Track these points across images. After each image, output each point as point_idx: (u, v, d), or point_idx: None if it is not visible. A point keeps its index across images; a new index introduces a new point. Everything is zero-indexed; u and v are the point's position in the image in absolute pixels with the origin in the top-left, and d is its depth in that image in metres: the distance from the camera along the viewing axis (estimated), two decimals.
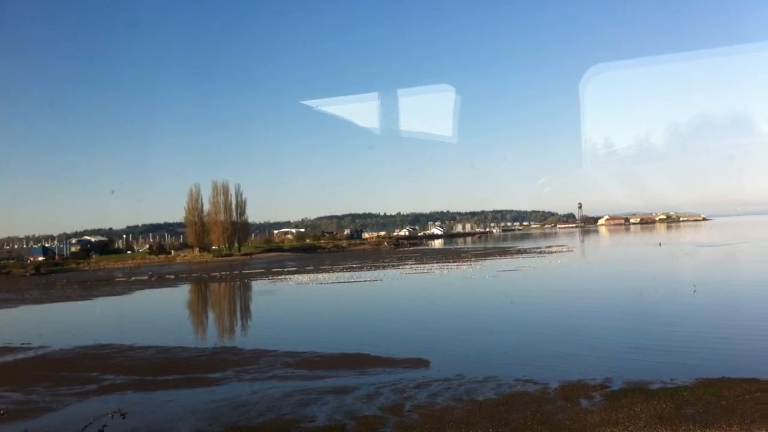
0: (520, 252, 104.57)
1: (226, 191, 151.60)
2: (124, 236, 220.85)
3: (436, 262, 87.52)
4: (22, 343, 30.99)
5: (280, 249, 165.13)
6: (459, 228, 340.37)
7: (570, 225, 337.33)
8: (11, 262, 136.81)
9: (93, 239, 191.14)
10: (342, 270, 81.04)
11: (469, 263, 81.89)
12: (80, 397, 19.68)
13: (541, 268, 66.84)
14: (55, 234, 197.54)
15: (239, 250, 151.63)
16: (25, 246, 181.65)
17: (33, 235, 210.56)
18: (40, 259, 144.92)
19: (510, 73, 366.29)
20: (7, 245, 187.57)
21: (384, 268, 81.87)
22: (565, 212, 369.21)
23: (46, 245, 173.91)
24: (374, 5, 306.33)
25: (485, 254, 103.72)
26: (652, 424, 13.68)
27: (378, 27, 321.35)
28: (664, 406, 14.88)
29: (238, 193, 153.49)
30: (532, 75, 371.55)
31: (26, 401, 19.40)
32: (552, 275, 60.26)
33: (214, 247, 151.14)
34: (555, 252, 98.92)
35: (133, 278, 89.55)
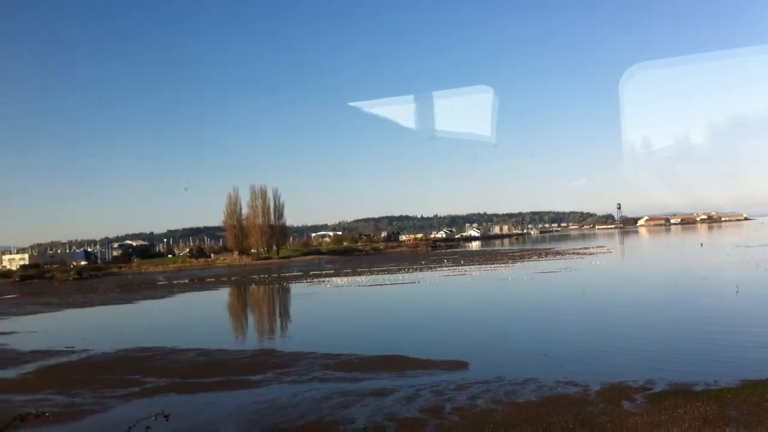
0: (558, 253, 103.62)
1: (264, 195, 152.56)
2: (165, 240, 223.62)
3: (474, 264, 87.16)
4: (66, 347, 31.42)
5: (317, 252, 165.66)
6: (496, 230, 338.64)
7: (609, 226, 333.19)
8: (55, 266, 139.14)
9: (134, 243, 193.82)
10: (379, 272, 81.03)
11: (506, 265, 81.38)
12: (123, 400, 19.92)
13: (580, 270, 66.15)
14: (97, 238, 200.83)
15: (278, 254, 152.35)
16: (68, 251, 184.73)
17: (75, 240, 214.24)
18: (83, 263, 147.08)
19: (549, 73, 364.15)
20: (50, 250, 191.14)
21: (421, 270, 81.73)
22: (604, 213, 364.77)
23: (89, 250, 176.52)
24: (415, 10, 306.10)
25: (523, 256, 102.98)
26: (695, 426, 13.49)
27: (417, 29, 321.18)
28: (707, 408, 14.68)
29: (276, 197, 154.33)
30: (571, 75, 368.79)
31: (70, 404, 19.69)
32: (591, 277, 59.61)
33: (252, 251, 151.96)
34: (594, 253, 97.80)
35: (174, 282, 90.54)
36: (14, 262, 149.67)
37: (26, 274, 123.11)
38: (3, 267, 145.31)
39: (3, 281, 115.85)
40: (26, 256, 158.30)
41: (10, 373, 25.46)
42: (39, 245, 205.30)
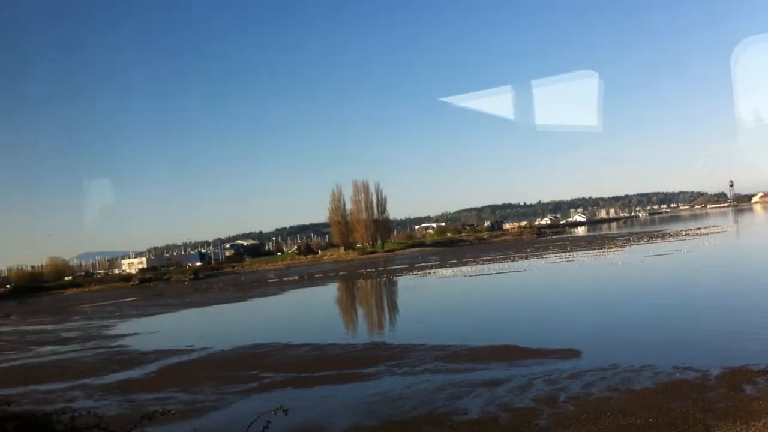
0: (669, 235, 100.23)
1: (366, 190, 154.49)
2: (274, 238, 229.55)
3: (581, 250, 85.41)
4: (186, 346, 32.48)
5: (422, 244, 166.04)
6: (602, 214, 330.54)
7: (721, 204, 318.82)
8: (171, 268, 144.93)
9: (245, 243, 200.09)
10: (485, 262, 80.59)
11: (615, 249, 79.45)
12: (242, 395, 20.57)
13: (693, 252, 63.79)
14: (210, 239, 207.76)
15: (382, 247, 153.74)
16: (183, 252, 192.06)
17: (190, 242, 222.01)
18: (198, 264, 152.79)
19: (654, 51, 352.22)
20: (166, 252, 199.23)
21: (527, 258, 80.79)
22: (716, 191, 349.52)
23: (203, 251, 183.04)
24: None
25: (632, 239, 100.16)
26: None
27: (517, 17, 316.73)
28: None
29: (378, 191, 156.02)
30: (678, 52, 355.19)
31: (193, 401, 20.41)
32: (705, 258, 57.43)
33: (358, 245, 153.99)
34: (707, 234, 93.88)
35: (284, 279, 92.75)
36: (133, 265, 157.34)
37: (145, 277, 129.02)
38: (123, 271, 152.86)
39: (123, 284, 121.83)
40: (144, 259, 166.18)
41: (135, 373, 26.64)
42: (155, 248, 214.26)
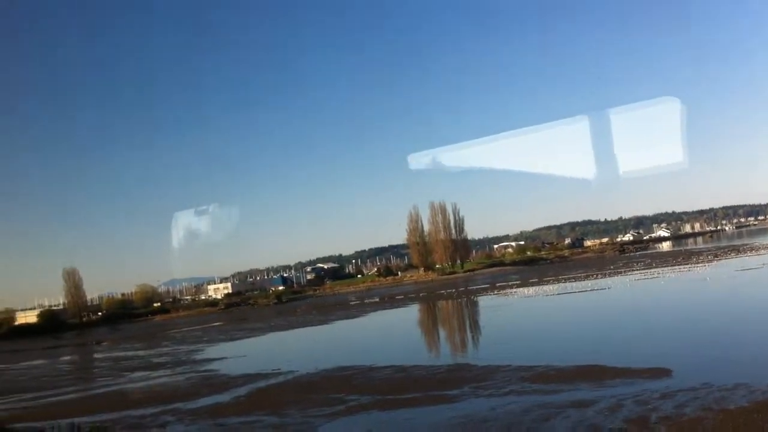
0: (758, 249, 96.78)
1: (443, 211, 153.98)
2: (354, 261, 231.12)
3: (666, 266, 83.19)
4: (273, 369, 32.92)
5: (501, 263, 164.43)
6: (687, 228, 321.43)
7: None
8: (255, 293, 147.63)
9: (326, 266, 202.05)
10: (567, 280, 79.34)
11: (702, 264, 77.19)
12: (329, 418, 20.74)
13: None
14: (292, 263, 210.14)
15: (462, 267, 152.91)
16: (266, 277, 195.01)
17: (272, 266, 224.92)
18: (281, 288, 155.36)
19: (735, 60, 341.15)
20: (250, 277, 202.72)
21: (610, 275, 79.15)
22: None
23: (285, 275, 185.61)
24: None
25: (719, 254, 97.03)
26: None
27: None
28: None
29: (456, 212, 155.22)
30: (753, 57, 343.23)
31: (281, 424, 20.67)
32: None
33: (437, 266, 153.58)
34: None
35: (365, 301, 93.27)
36: (218, 291, 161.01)
37: (230, 302, 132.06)
38: (209, 296, 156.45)
39: (210, 309, 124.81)
40: (229, 284, 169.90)
41: (224, 397, 27.18)
42: (239, 273, 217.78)
